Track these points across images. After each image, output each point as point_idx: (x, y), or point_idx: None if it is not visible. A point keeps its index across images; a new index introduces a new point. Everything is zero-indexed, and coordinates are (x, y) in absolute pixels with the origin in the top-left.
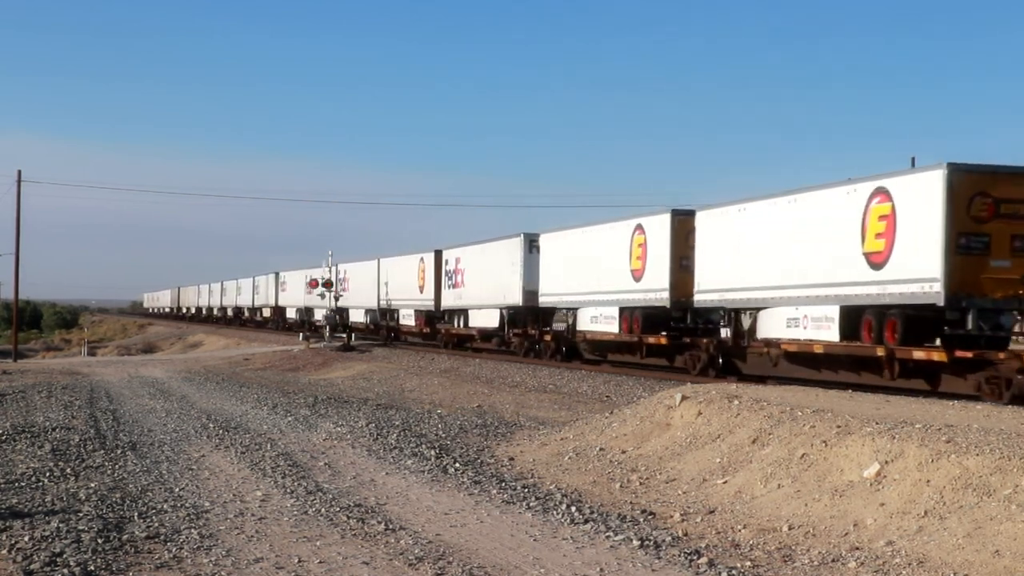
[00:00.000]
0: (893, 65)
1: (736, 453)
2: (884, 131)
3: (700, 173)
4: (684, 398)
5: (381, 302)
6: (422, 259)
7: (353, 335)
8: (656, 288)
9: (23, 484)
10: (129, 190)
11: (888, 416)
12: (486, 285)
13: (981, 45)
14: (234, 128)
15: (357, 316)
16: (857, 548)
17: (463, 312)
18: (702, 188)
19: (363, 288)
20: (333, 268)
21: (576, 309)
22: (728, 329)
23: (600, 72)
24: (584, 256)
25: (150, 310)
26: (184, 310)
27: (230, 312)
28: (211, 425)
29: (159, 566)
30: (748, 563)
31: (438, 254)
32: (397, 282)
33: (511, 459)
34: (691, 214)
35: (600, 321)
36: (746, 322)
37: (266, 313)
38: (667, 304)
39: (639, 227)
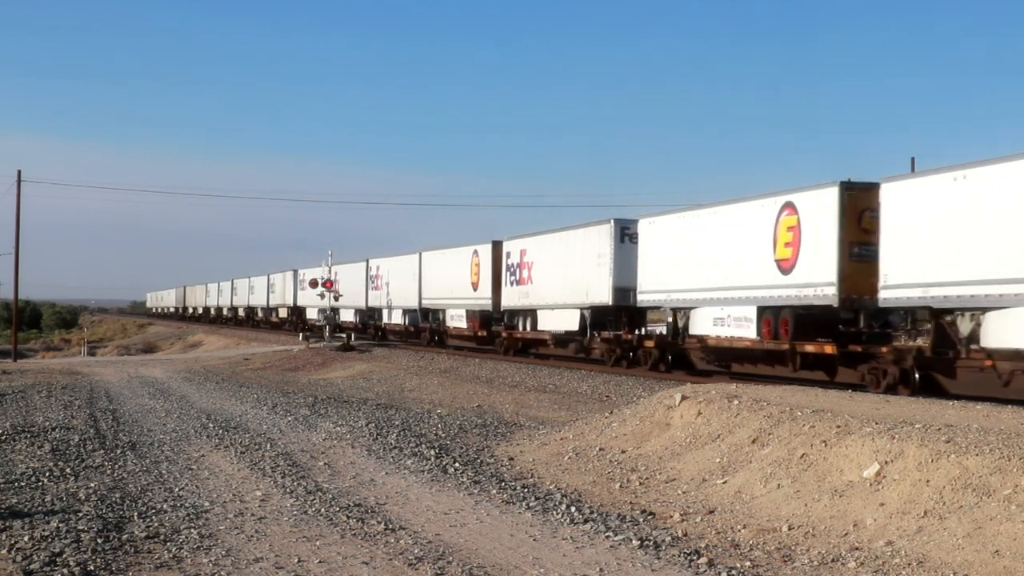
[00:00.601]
0: (896, 64)
1: (736, 453)
2: (884, 130)
3: (701, 173)
4: (684, 398)
5: (423, 301)
6: (476, 252)
7: (388, 335)
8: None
9: (23, 484)
10: (129, 190)
11: (888, 416)
12: (562, 281)
13: (981, 44)
14: (234, 128)
15: (393, 317)
16: (857, 548)
17: (530, 312)
18: (702, 189)
19: (400, 286)
20: (368, 266)
21: (690, 309)
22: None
23: (600, 72)
24: (703, 243)
25: (154, 310)
26: (190, 310)
27: (241, 312)
28: (211, 425)
29: (159, 566)
30: (748, 563)
31: (497, 245)
32: (444, 279)
33: (511, 459)
34: (872, 186)
35: (728, 324)
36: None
37: (282, 313)
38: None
39: (788, 205)
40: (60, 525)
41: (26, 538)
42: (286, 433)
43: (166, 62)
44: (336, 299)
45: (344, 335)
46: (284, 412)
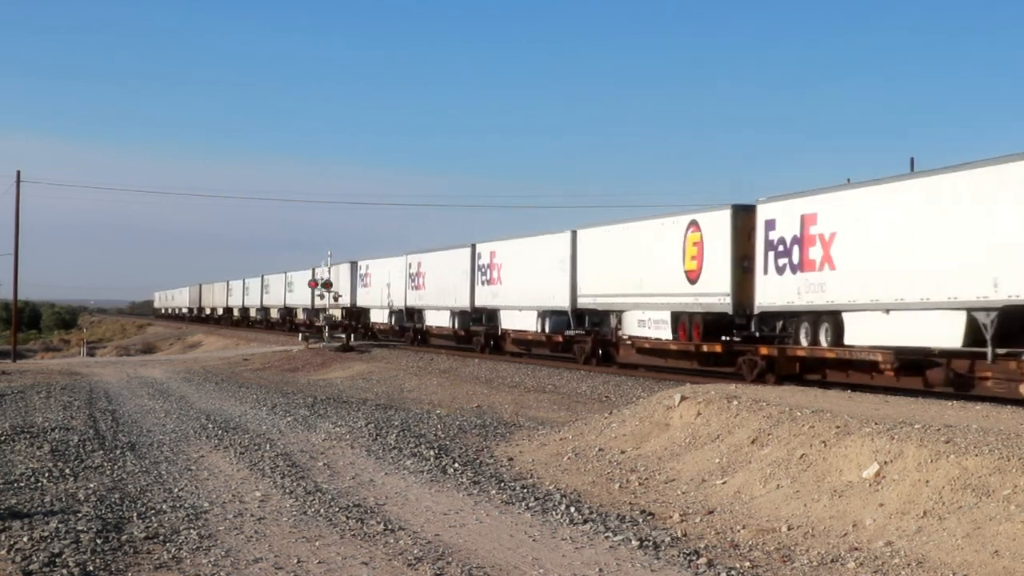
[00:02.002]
0: (901, 62)
1: (735, 453)
2: (888, 129)
3: (703, 173)
4: (683, 398)
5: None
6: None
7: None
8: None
9: (22, 484)
10: (129, 190)
11: (887, 416)
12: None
13: (982, 44)
14: (234, 128)
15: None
16: (856, 548)
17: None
18: (704, 188)
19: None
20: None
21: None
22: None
23: (601, 72)
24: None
25: (162, 311)
26: (207, 311)
27: (275, 314)
28: (210, 425)
29: (158, 566)
30: (747, 563)
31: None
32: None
33: (510, 459)
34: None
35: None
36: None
37: (300, 315)
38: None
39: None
40: (59, 526)
41: (25, 539)
42: (285, 433)
43: (166, 62)
44: (336, 299)
45: (344, 335)
46: (283, 412)
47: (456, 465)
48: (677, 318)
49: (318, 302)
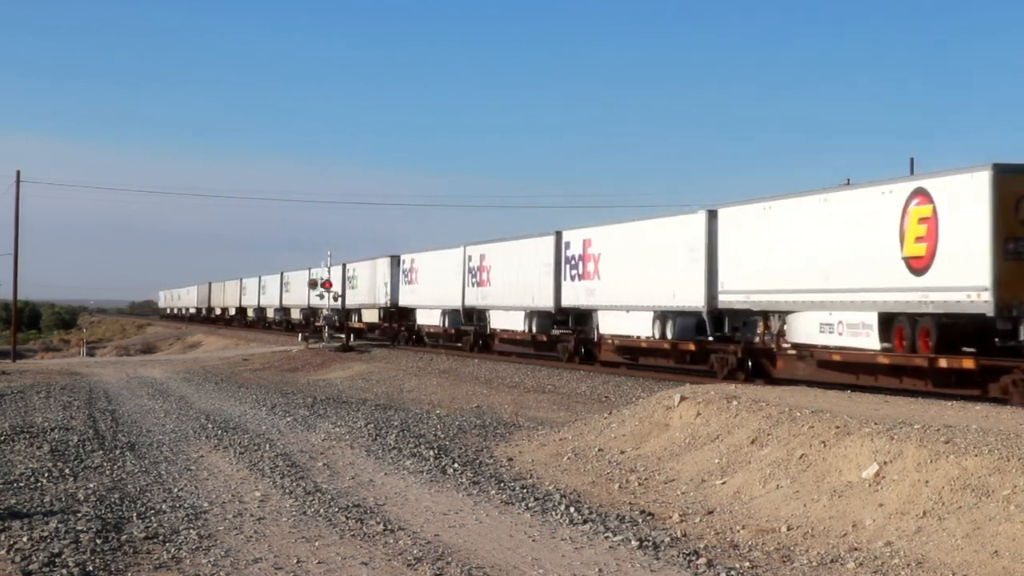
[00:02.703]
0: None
1: (735, 454)
2: (891, 129)
3: (704, 173)
4: (683, 399)
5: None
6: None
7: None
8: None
9: (22, 484)
10: (129, 190)
11: (887, 416)
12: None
13: (982, 43)
14: (233, 128)
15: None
16: (856, 549)
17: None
18: (706, 188)
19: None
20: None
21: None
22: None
23: (601, 72)
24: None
25: (167, 311)
26: (217, 311)
27: (297, 315)
28: (210, 425)
29: (158, 566)
30: (747, 564)
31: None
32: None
33: (510, 460)
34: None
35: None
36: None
37: (371, 317)
38: None
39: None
40: (59, 526)
41: (25, 539)
42: (285, 434)
43: (166, 62)
44: (336, 299)
45: (343, 336)
46: (283, 413)
47: (456, 465)
48: (890, 321)
49: (319, 302)
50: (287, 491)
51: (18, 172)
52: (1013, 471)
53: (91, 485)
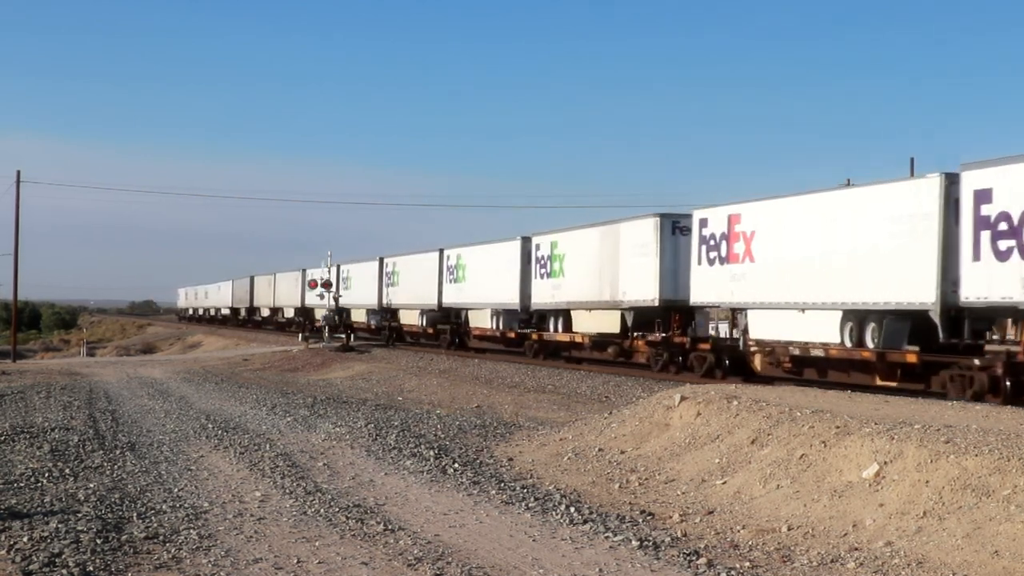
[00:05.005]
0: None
1: (735, 454)
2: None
3: (705, 173)
4: (683, 399)
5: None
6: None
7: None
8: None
9: (22, 484)
10: (129, 190)
11: (887, 417)
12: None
13: (980, 43)
14: (233, 128)
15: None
16: (856, 549)
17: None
18: (707, 188)
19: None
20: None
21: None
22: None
23: (601, 73)
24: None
25: (190, 312)
26: (263, 313)
27: (361, 316)
28: (210, 425)
29: (158, 566)
30: (747, 564)
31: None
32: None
33: (510, 459)
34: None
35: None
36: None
37: (412, 318)
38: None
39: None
40: (59, 526)
41: (25, 539)
42: (285, 434)
43: (166, 62)
44: (336, 299)
45: (343, 336)
46: (283, 413)
47: (456, 465)
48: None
49: (319, 301)
50: (287, 491)
51: (18, 172)
52: (1013, 471)
53: (91, 485)
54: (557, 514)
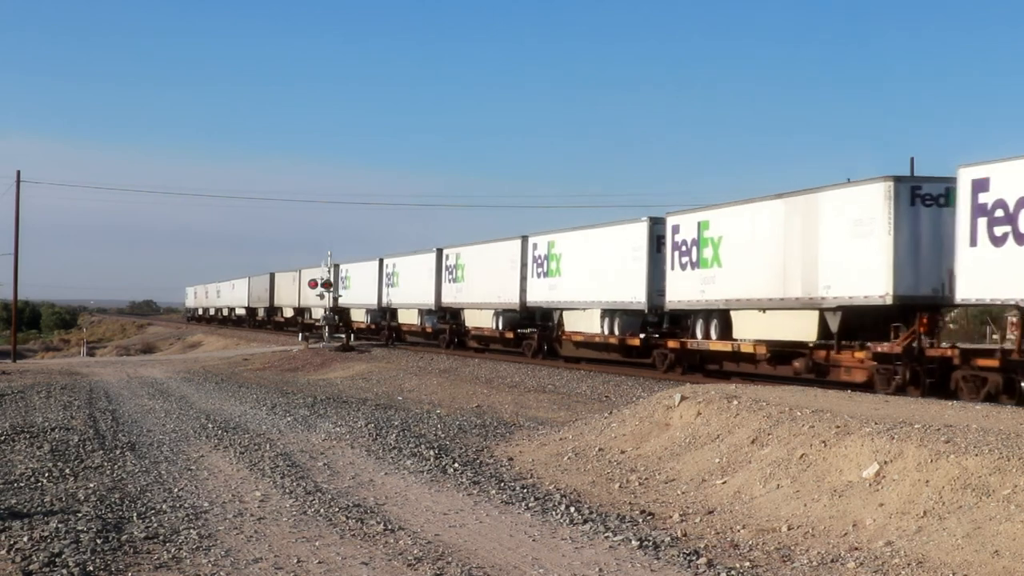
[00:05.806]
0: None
1: (735, 453)
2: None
3: (705, 173)
4: (683, 398)
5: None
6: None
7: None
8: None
9: (22, 484)
10: (129, 190)
11: (887, 416)
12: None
13: (979, 43)
14: (233, 128)
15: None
16: (856, 548)
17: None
18: (708, 187)
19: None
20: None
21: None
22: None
23: (601, 73)
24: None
25: (199, 311)
26: (287, 314)
27: (411, 317)
28: (210, 425)
29: (158, 566)
30: (747, 563)
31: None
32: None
33: (510, 459)
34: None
35: None
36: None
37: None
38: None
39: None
40: (59, 526)
41: (25, 538)
42: (285, 433)
43: (166, 62)
44: (336, 299)
45: (343, 335)
46: (283, 412)
47: (456, 465)
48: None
49: (318, 301)
50: (287, 491)
51: (18, 172)
52: (1013, 471)
53: (91, 485)
54: (557, 514)
